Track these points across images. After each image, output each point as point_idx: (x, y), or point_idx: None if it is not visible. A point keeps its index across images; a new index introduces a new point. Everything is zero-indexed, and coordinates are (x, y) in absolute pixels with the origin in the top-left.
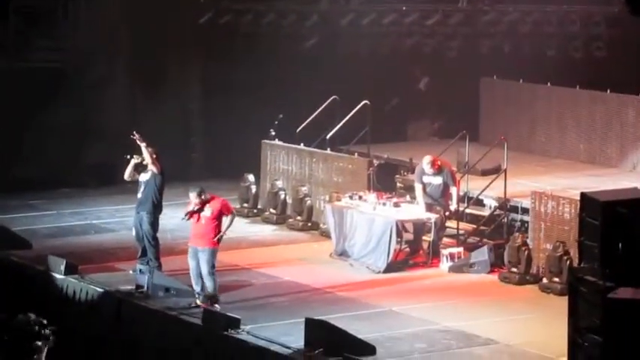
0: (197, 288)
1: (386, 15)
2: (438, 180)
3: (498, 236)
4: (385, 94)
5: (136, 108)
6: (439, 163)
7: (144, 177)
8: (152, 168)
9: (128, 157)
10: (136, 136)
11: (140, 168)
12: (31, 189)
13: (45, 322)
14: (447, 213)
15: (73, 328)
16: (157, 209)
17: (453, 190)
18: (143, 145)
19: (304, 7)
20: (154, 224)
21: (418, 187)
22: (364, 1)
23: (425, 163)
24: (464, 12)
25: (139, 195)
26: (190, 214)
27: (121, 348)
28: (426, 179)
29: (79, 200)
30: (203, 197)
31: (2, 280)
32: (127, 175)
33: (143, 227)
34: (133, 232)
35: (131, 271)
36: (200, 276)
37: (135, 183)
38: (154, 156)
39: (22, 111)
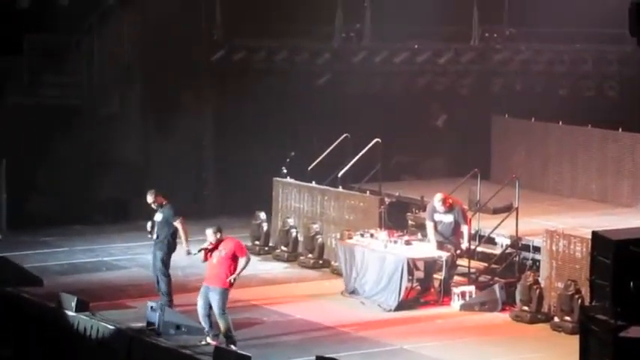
0: (206, 326)
1: (398, 53)
2: (449, 218)
3: (510, 275)
4: (396, 132)
5: (148, 144)
6: (450, 201)
7: (158, 217)
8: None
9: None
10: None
11: (154, 208)
12: (44, 225)
13: None
14: (459, 251)
15: None
16: (170, 248)
17: (464, 228)
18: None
19: (317, 45)
20: (166, 261)
21: (429, 225)
22: (376, 39)
23: (436, 201)
24: (476, 50)
25: (153, 235)
26: (205, 252)
27: None
28: (437, 217)
29: (91, 237)
30: (219, 236)
31: (13, 316)
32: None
33: (156, 264)
34: (152, 269)
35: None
36: (207, 315)
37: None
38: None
39: (35, 147)
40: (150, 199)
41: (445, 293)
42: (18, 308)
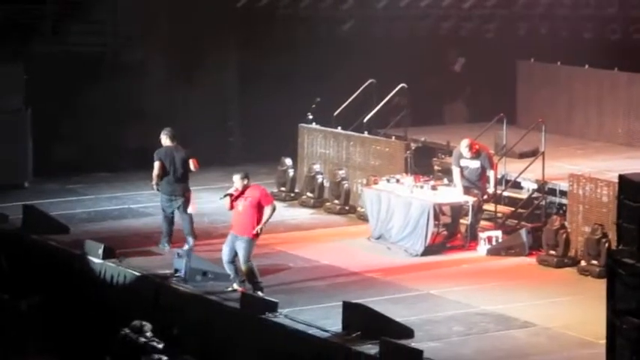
0: (230, 273)
1: None
2: (475, 164)
3: (536, 219)
4: (422, 77)
5: (173, 92)
6: (477, 147)
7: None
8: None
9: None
10: None
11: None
12: (70, 173)
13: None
14: (485, 196)
15: (111, 312)
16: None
17: (491, 173)
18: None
19: None
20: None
21: (456, 171)
22: None
23: (462, 146)
24: None
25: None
26: (230, 199)
27: (159, 332)
28: (463, 163)
29: (117, 184)
30: (246, 182)
31: (40, 265)
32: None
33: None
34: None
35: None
36: (231, 262)
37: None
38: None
39: (60, 95)
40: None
41: (472, 238)
42: (45, 256)
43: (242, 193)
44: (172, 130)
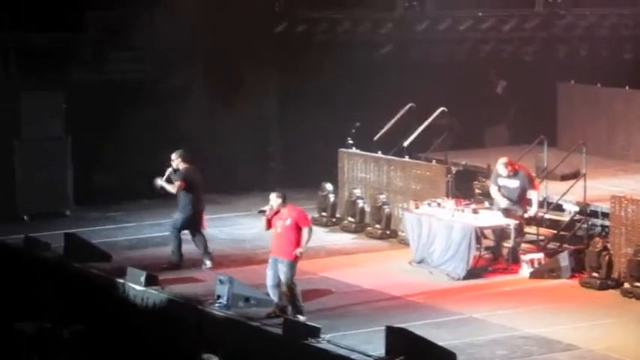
0: (275, 298)
1: (462, 21)
2: (514, 183)
3: (578, 241)
4: (462, 100)
5: (213, 118)
6: (515, 166)
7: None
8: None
9: (167, 174)
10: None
11: (174, 175)
12: (111, 201)
13: None
14: (526, 215)
15: (154, 339)
16: (190, 214)
17: (533, 194)
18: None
19: (379, 15)
20: (183, 225)
21: (493, 189)
22: (439, 7)
23: (499, 164)
24: (540, 16)
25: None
26: (267, 220)
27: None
28: (501, 182)
29: (158, 211)
30: (281, 202)
31: (83, 292)
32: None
33: (174, 224)
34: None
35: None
36: (277, 286)
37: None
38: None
39: (100, 123)
40: (172, 156)
41: (513, 261)
42: (87, 284)
43: (277, 213)
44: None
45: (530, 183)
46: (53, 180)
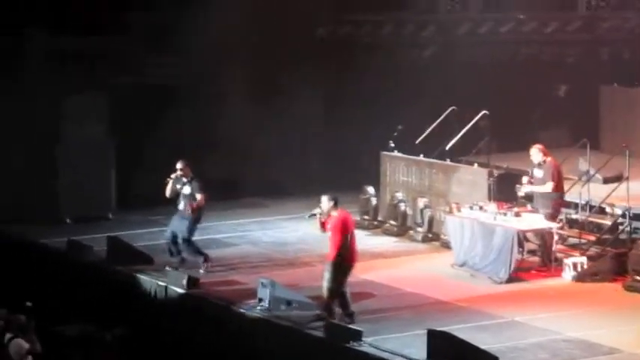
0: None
1: (504, 23)
2: (540, 173)
3: (621, 244)
4: (504, 103)
5: (254, 121)
6: (547, 157)
7: (187, 190)
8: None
9: (168, 179)
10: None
11: (178, 182)
12: (153, 204)
13: None
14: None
15: (196, 343)
16: (196, 219)
17: (548, 185)
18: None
19: (422, 17)
20: (192, 230)
21: (525, 179)
22: (482, 9)
23: (532, 150)
24: (582, 19)
25: (180, 206)
26: (321, 223)
27: None
28: (535, 172)
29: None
30: (331, 205)
31: (125, 296)
32: (168, 193)
33: (182, 230)
34: (168, 234)
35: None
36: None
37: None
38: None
39: (141, 126)
40: (179, 165)
41: (556, 264)
42: (129, 287)
43: (329, 215)
44: None
45: (549, 173)
46: (96, 183)
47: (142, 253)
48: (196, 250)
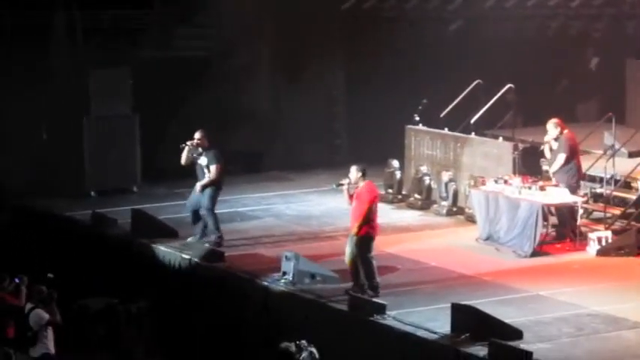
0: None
1: None
2: (556, 145)
3: None
4: (530, 77)
5: (279, 95)
6: (563, 130)
7: (203, 161)
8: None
9: (182, 145)
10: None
11: (195, 152)
12: (177, 178)
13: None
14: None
15: (219, 316)
16: (218, 187)
17: (560, 156)
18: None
19: None
20: (214, 198)
21: (546, 148)
22: None
23: (549, 124)
24: None
25: (200, 177)
26: (349, 195)
27: (267, 335)
28: (553, 145)
29: (225, 188)
30: (359, 176)
31: (149, 268)
32: (183, 161)
33: (202, 201)
34: (189, 206)
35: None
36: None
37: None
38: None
39: (166, 100)
40: (197, 135)
41: (580, 238)
42: (153, 260)
43: (356, 187)
44: None
45: (562, 145)
46: (121, 156)
47: (166, 226)
48: (216, 225)
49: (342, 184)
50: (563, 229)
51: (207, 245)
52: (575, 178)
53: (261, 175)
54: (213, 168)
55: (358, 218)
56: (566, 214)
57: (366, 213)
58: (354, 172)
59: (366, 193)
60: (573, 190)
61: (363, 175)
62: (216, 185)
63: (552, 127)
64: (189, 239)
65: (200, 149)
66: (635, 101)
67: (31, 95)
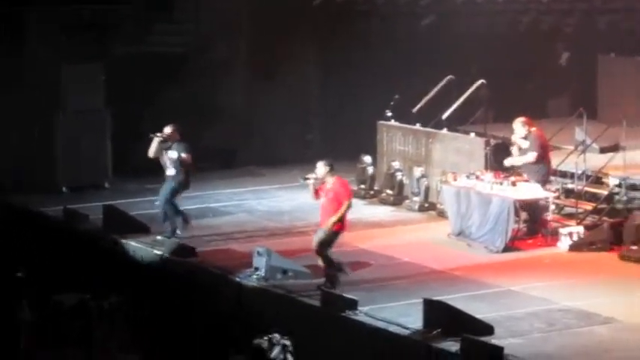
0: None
1: None
2: (526, 144)
3: (617, 214)
4: (502, 72)
5: (254, 90)
6: (532, 127)
7: (173, 154)
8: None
9: (152, 135)
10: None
11: (164, 145)
12: (149, 173)
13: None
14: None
15: (192, 311)
16: (183, 183)
17: (530, 154)
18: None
19: None
20: (175, 192)
21: (514, 148)
22: None
23: (516, 123)
24: None
25: (168, 171)
26: (315, 189)
27: (241, 330)
28: (519, 142)
29: (197, 184)
30: (327, 171)
31: (121, 263)
32: (151, 153)
33: (164, 194)
34: (157, 202)
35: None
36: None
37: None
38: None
39: (141, 95)
40: (167, 130)
41: (546, 232)
42: (125, 256)
43: (325, 184)
44: None
45: (533, 143)
46: (92, 152)
47: (138, 222)
48: (175, 211)
49: (308, 179)
50: (534, 224)
51: (178, 241)
52: (547, 176)
53: (233, 171)
54: (184, 155)
55: (332, 213)
56: (536, 210)
57: (344, 209)
58: (321, 167)
59: (342, 189)
60: (544, 187)
61: (331, 170)
62: (181, 180)
63: (520, 126)
64: (159, 237)
65: (170, 142)
66: (606, 97)
67: (4, 90)
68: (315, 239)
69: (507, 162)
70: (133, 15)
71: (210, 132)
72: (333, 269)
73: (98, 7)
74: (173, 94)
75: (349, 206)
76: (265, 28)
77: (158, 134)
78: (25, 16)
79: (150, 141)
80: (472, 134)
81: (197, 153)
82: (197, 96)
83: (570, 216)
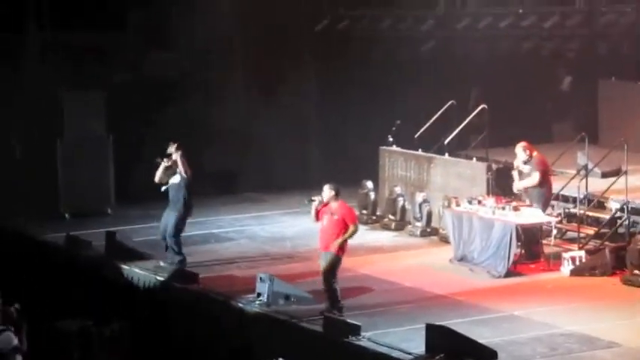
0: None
1: (502, 18)
2: (527, 168)
3: (620, 239)
4: (504, 97)
5: (253, 115)
6: (533, 152)
7: (175, 179)
8: (182, 172)
9: (158, 160)
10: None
11: (169, 171)
12: (152, 199)
13: None
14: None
15: (194, 338)
16: (187, 210)
17: (534, 174)
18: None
19: (420, 12)
20: (180, 223)
21: (515, 173)
22: (480, 4)
23: (518, 148)
24: (581, 13)
25: (172, 197)
26: (317, 211)
27: (244, 356)
28: (521, 166)
29: (199, 209)
30: (333, 195)
31: (123, 290)
32: (157, 178)
33: (168, 225)
34: (162, 229)
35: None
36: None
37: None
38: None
39: (140, 121)
40: (174, 156)
41: (535, 257)
42: (128, 282)
43: (327, 205)
44: None
45: (535, 166)
46: (95, 178)
47: (141, 249)
48: (178, 251)
49: (313, 200)
50: (533, 247)
51: (180, 267)
52: (548, 200)
53: (235, 197)
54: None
55: (334, 236)
56: (535, 234)
57: (352, 233)
58: (327, 190)
59: (348, 213)
60: (545, 211)
61: (337, 195)
62: (183, 212)
63: (521, 151)
64: (162, 263)
65: (174, 168)
66: (607, 121)
67: (5, 116)
68: (321, 265)
69: (516, 187)
70: (131, 42)
71: (210, 156)
72: (331, 302)
73: (96, 34)
74: (172, 119)
75: (356, 231)
76: (263, 54)
77: (165, 160)
78: (25, 42)
79: (155, 166)
80: (474, 159)
81: (198, 178)
82: (196, 121)
83: (572, 240)
